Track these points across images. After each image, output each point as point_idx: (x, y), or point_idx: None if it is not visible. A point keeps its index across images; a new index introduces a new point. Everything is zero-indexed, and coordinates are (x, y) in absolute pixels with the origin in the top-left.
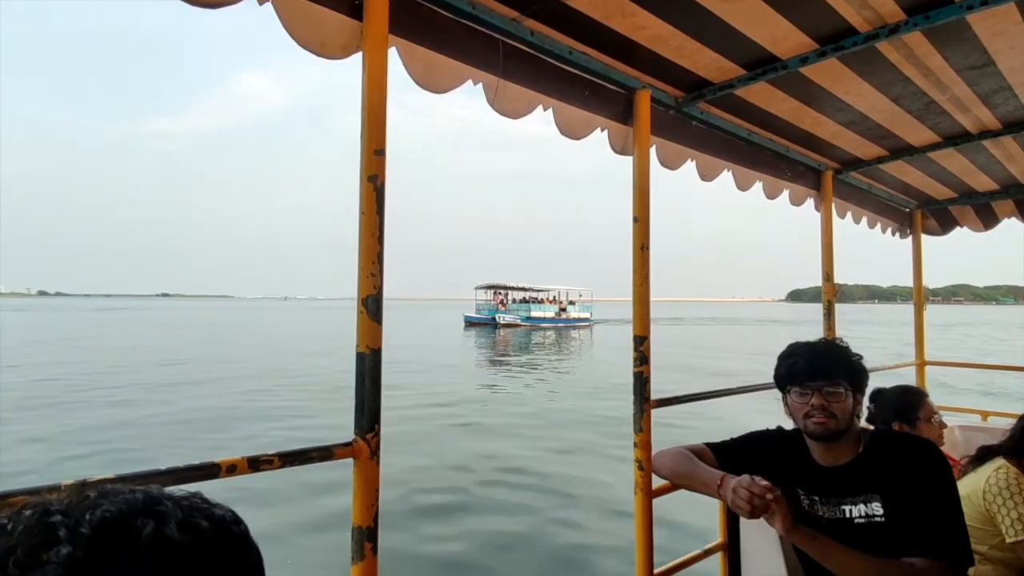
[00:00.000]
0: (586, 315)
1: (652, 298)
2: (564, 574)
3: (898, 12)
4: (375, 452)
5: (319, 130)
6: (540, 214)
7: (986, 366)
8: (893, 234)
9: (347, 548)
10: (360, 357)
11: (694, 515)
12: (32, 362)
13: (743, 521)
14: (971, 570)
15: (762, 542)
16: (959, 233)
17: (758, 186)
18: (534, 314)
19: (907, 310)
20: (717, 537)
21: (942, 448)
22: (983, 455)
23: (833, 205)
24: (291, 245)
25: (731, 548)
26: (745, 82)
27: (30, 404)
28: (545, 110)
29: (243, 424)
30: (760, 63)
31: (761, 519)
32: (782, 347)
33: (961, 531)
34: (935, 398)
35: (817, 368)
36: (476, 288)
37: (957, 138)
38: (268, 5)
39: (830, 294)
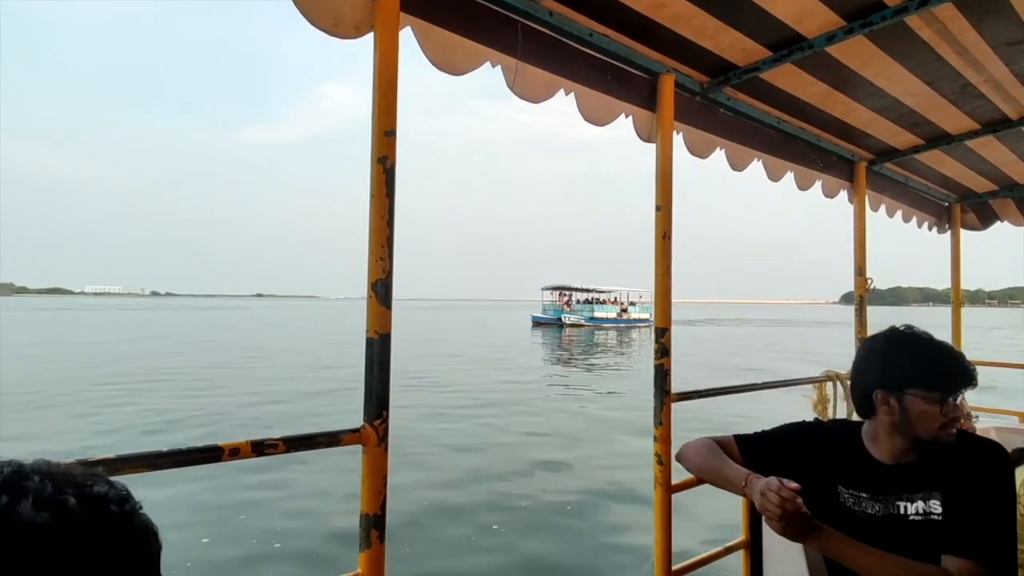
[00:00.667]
0: (646, 316)
1: (713, 299)
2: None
3: None
4: (383, 439)
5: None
6: (599, 215)
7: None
8: (930, 229)
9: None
10: (369, 342)
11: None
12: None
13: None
14: None
15: (785, 541)
16: (1018, 232)
17: (790, 177)
18: (597, 314)
19: (967, 313)
20: (739, 534)
21: None
22: (1019, 457)
23: (867, 198)
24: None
25: (753, 546)
26: (771, 64)
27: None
28: (567, 95)
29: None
30: (785, 43)
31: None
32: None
33: (1004, 536)
34: (975, 398)
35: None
36: (542, 289)
37: (996, 125)
38: None
39: (861, 289)
